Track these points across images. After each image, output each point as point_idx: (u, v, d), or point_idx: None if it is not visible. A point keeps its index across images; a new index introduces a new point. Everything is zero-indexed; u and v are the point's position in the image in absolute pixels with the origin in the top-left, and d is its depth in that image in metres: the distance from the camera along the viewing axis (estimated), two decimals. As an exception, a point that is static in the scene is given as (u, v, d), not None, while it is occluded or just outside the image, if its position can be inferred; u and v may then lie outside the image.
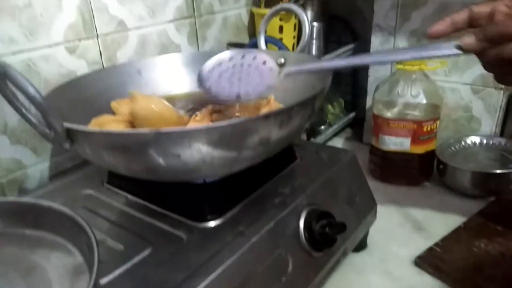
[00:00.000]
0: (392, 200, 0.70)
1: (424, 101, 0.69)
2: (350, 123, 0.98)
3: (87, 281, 0.35)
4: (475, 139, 0.76)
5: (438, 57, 0.38)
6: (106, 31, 0.61)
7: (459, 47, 0.36)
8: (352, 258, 0.58)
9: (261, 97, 0.49)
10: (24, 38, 0.52)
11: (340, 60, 0.48)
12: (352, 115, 0.97)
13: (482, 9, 0.39)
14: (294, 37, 0.83)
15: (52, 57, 0.55)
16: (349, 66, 0.42)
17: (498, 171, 0.67)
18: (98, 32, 0.60)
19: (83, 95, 0.53)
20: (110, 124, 0.49)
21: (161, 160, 0.37)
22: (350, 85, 0.98)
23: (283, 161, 0.54)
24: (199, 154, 0.37)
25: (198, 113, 0.49)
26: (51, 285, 0.34)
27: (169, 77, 0.62)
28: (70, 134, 0.37)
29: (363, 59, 0.43)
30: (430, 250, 0.57)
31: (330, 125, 0.91)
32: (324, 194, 0.51)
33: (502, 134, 0.77)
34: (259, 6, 0.82)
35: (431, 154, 0.72)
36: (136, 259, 0.39)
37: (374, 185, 0.70)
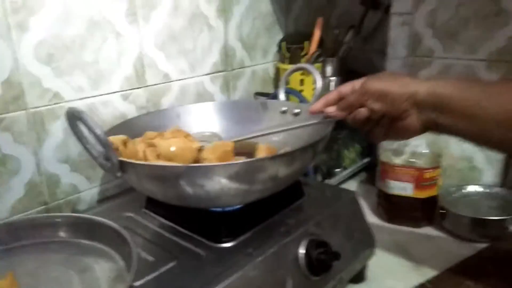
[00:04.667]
0: (395, 240, 0.77)
1: (426, 151, 0.77)
2: (365, 167, 1.05)
3: (126, 281, 0.45)
4: (477, 188, 0.82)
5: (314, 124, 0.57)
6: (154, 82, 0.74)
7: (326, 116, 0.55)
8: (351, 288, 0.65)
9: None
10: (89, 88, 0.66)
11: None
12: (366, 160, 1.05)
13: (346, 89, 0.54)
14: (313, 89, 0.94)
15: (110, 102, 0.69)
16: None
17: (494, 218, 0.72)
18: (148, 83, 0.73)
19: (132, 133, 0.65)
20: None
21: (189, 189, 0.48)
22: (366, 133, 1.07)
23: (292, 197, 0.63)
24: (218, 185, 0.47)
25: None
26: (99, 282, 0.44)
27: (202, 121, 0.74)
28: (122, 166, 0.48)
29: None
30: (422, 286, 0.63)
31: (346, 168, 1.00)
32: (324, 227, 0.59)
33: (503, 184, 0.82)
34: (283, 62, 0.94)
35: (433, 200, 0.79)
36: (163, 269, 0.49)
37: (380, 225, 0.79)
